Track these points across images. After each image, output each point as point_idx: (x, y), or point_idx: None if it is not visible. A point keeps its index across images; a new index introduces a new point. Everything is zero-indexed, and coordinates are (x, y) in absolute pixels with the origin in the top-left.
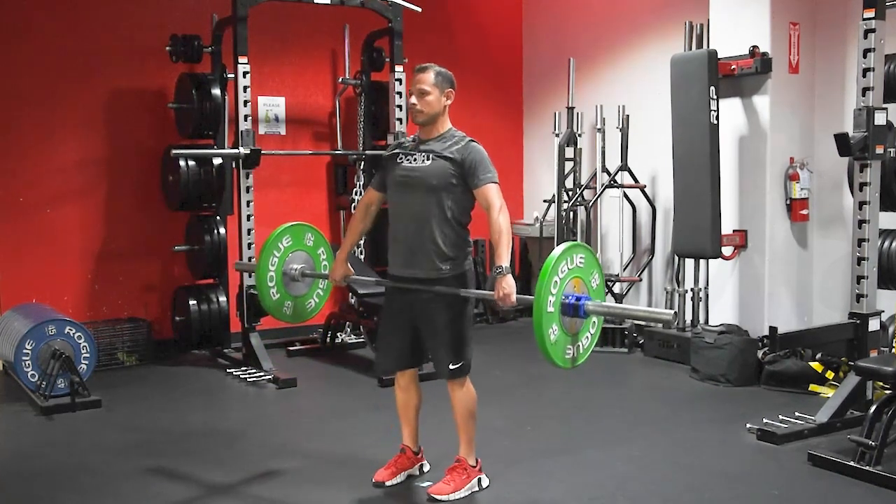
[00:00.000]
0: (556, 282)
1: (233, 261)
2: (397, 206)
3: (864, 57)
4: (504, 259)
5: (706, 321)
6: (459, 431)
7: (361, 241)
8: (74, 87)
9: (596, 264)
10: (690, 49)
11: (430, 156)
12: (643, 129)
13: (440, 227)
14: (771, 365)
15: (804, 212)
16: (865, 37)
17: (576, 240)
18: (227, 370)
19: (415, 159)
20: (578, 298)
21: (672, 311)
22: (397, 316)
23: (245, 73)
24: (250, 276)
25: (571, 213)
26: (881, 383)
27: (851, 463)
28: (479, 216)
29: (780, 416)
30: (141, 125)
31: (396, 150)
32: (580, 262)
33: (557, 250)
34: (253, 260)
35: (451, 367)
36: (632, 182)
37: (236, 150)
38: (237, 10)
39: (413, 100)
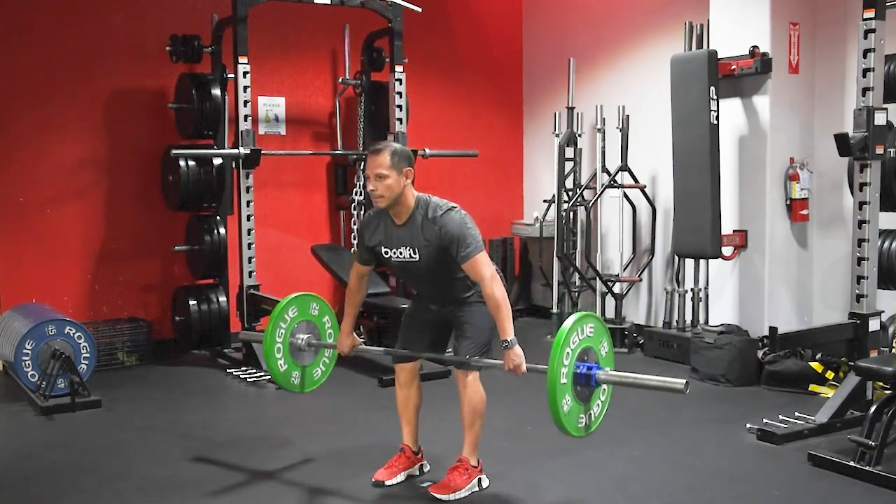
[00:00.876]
0: (567, 353)
1: (233, 261)
2: (406, 280)
3: (864, 57)
4: (509, 332)
5: (706, 321)
6: (465, 430)
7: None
8: (74, 87)
9: (605, 332)
10: (690, 49)
11: (415, 249)
12: (643, 129)
13: (454, 286)
14: (771, 365)
15: (804, 212)
16: (865, 37)
17: (576, 237)
18: (227, 370)
19: (402, 253)
20: (590, 368)
21: (683, 381)
22: (427, 312)
23: (245, 73)
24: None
25: (571, 213)
26: (881, 383)
27: (851, 463)
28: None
29: (780, 416)
30: (141, 125)
31: (375, 238)
32: (590, 332)
33: (568, 322)
34: (253, 270)
35: (468, 357)
36: (632, 182)
37: (236, 150)
38: (237, 10)
39: (371, 185)
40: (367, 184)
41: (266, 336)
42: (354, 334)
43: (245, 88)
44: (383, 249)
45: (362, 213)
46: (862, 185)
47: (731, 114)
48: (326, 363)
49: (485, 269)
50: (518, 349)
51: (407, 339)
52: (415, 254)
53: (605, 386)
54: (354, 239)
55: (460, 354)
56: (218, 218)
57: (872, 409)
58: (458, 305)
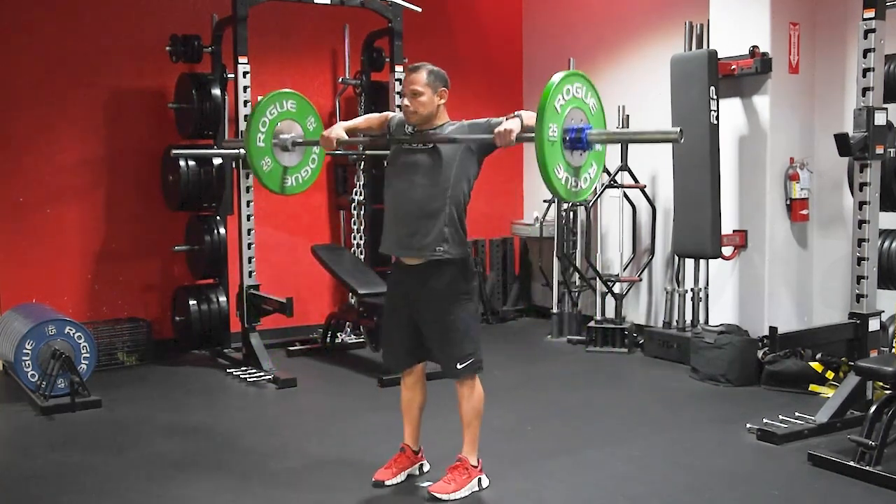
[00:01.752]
0: (553, 116)
1: (233, 261)
2: (399, 187)
3: (864, 57)
4: (525, 118)
5: (706, 321)
6: (464, 430)
7: (362, 242)
8: (74, 87)
9: (593, 90)
10: (690, 49)
11: (433, 136)
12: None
13: (441, 210)
14: (771, 365)
15: (804, 212)
16: (865, 37)
17: (576, 237)
18: (227, 370)
19: (420, 145)
20: (580, 130)
21: (678, 129)
22: (398, 312)
23: (245, 73)
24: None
25: (571, 213)
26: (881, 383)
27: (851, 463)
28: (477, 220)
29: (780, 416)
30: (141, 125)
31: (399, 129)
32: (577, 92)
33: (553, 80)
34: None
35: (458, 366)
36: (632, 182)
37: (236, 150)
38: (237, 10)
39: (406, 101)
40: (402, 100)
41: (248, 137)
42: (345, 132)
43: (245, 88)
44: (401, 142)
45: (362, 213)
46: (862, 185)
47: (731, 114)
48: (314, 163)
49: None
50: (517, 122)
51: (391, 342)
52: (429, 144)
53: (597, 146)
54: (354, 238)
55: (449, 361)
56: (218, 218)
57: (872, 409)
58: (428, 266)
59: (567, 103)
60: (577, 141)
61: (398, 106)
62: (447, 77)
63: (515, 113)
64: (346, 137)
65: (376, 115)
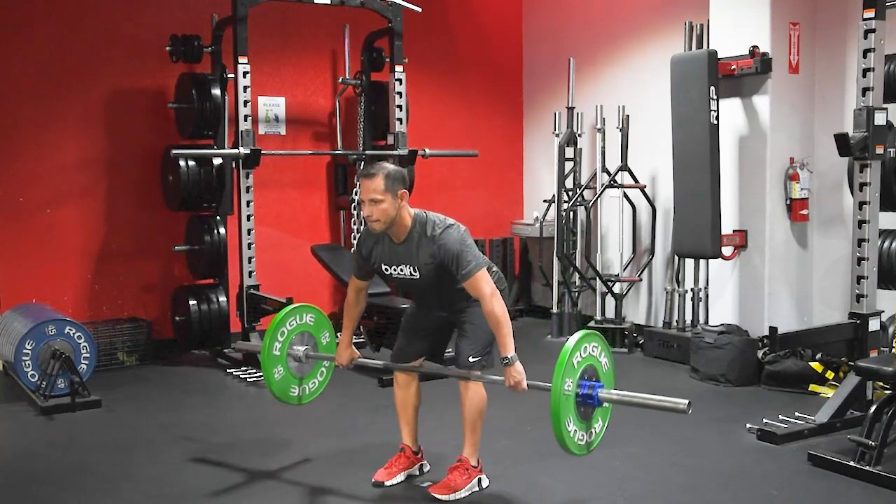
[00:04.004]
0: (570, 371)
1: (233, 261)
2: (405, 292)
3: (864, 57)
4: (509, 349)
5: (706, 321)
6: (465, 431)
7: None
8: (74, 87)
9: (606, 350)
10: (690, 49)
11: (415, 267)
12: (643, 129)
13: (456, 298)
14: (771, 365)
15: (804, 212)
16: (865, 37)
17: (576, 237)
18: (227, 370)
19: (402, 270)
20: (592, 388)
21: (686, 402)
22: (423, 320)
23: (245, 73)
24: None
25: (571, 213)
26: (881, 383)
27: (851, 463)
28: (477, 220)
29: (780, 416)
30: (141, 125)
31: (374, 256)
32: (592, 351)
33: (571, 342)
34: (253, 274)
35: (470, 358)
36: (632, 182)
37: (236, 150)
38: (237, 11)
39: (366, 211)
40: (361, 208)
41: (263, 349)
42: (353, 347)
43: (245, 88)
44: (383, 267)
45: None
46: (862, 185)
47: (731, 114)
48: (324, 374)
49: (485, 286)
50: (519, 366)
51: (406, 342)
52: (415, 272)
53: (605, 404)
54: (354, 238)
55: (461, 355)
56: (218, 218)
57: (872, 409)
58: (460, 309)
59: (584, 360)
60: (588, 398)
61: (398, 106)
62: (405, 175)
63: (504, 358)
64: (358, 355)
65: (349, 296)
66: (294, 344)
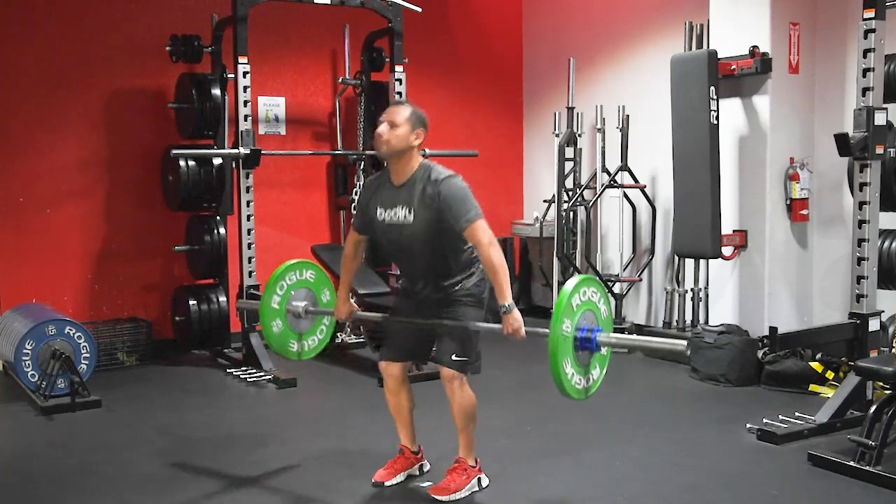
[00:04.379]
0: (568, 314)
1: (233, 261)
2: (395, 255)
3: (864, 57)
4: (507, 297)
5: (706, 321)
6: (458, 433)
7: None
8: (74, 86)
9: (604, 295)
10: (690, 49)
11: (410, 209)
12: (643, 129)
13: (443, 264)
14: (771, 365)
15: (804, 212)
16: (865, 37)
17: (576, 237)
18: (227, 370)
19: (396, 214)
20: (591, 331)
21: (685, 343)
22: (407, 311)
23: (245, 73)
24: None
25: (571, 213)
26: (881, 383)
27: (851, 463)
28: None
29: (780, 416)
30: (141, 125)
31: (372, 200)
32: (591, 296)
33: (569, 286)
34: (254, 273)
35: (454, 357)
36: (632, 182)
37: (236, 150)
38: (237, 11)
39: (381, 129)
40: (378, 127)
41: (262, 303)
42: (351, 301)
43: (245, 88)
44: (378, 210)
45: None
46: (862, 185)
47: (731, 114)
48: (324, 331)
49: (483, 234)
50: (517, 313)
51: (392, 341)
52: (409, 214)
53: (605, 349)
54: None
55: (444, 354)
56: (218, 218)
57: (872, 409)
58: (443, 300)
59: (582, 304)
60: (586, 341)
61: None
62: (428, 123)
63: (502, 306)
64: (358, 311)
65: (347, 249)
66: (293, 299)
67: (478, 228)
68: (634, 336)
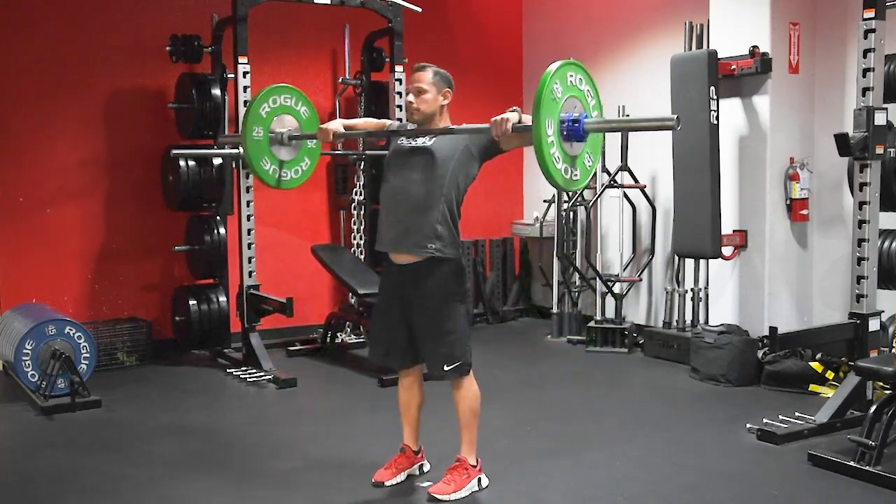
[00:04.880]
0: (551, 107)
1: (233, 261)
2: (394, 184)
3: (864, 57)
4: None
5: (706, 321)
6: (461, 430)
7: (361, 242)
8: (74, 87)
9: (588, 78)
10: (690, 49)
11: (432, 137)
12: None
13: (435, 206)
14: (771, 365)
15: (804, 212)
16: (865, 37)
17: (576, 237)
18: (227, 370)
19: (417, 139)
20: (576, 120)
21: (675, 116)
22: (390, 311)
23: (245, 73)
24: (237, 148)
25: (571, 213)
26: (881, 383)
27: (851, 463)
28: (477, 220)
29: (780, 416)
30: (141, 125)
31: (399, 139)
32: (573, 80)
33: (549, 70)
34: (253, 262)
35: (445, 368)
36: (632, 182)
37: (236, 150)
38: (237, 11)
39: (410, 97)
40: (406, 97)
41: (244, 131)
42: (343, 128)
43: (245, 88)
44: (402, 140)
45: (362, 213)
46: (862, 185)
47: (731, 114)
48: (311, 157)
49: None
50: (515, 114)
51: (380, 339)
52: (430, 140)
53: (594, 135)
54: (354, 238)
55: (433, 365)
56: (218, 218)
57: (872, 409)
58: (422, 265)
59: (565, 91)
60: (573, 131)
61: (398, 106)
62: (452, 80)
63: (514, 108)
64: (343, 130)
65: (375, 119)
66: (275, 126)
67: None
68: (622, 118)
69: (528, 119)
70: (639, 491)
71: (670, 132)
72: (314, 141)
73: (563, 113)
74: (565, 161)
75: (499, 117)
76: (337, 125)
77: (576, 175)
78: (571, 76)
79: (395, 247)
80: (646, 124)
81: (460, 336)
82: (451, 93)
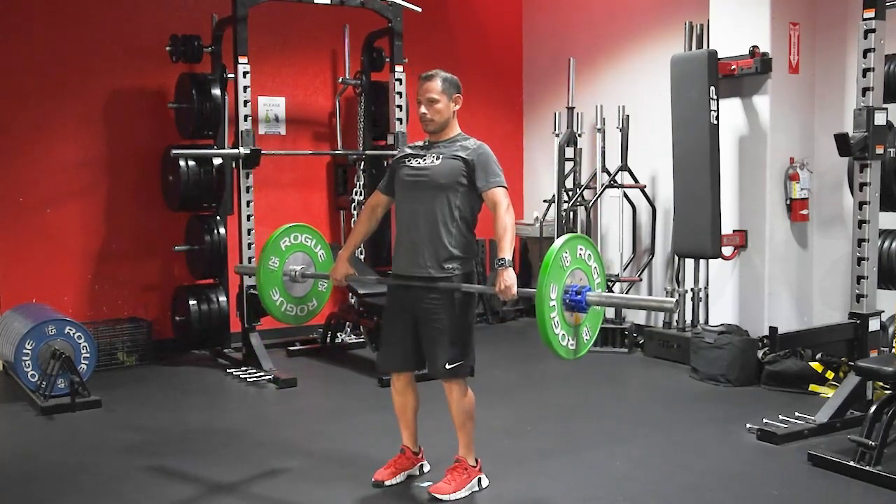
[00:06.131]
0: (557, 274)
1: (233, 261)
2: (405, 205)
3: (864, 57)
4: (507, 252)
5: (706, 321)
6: (458, 433)
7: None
8: (74, 87)
9: (596, 255)
10: (690, 49)
11: (439, 156)
12: (643, 129)
13: (448, 226)
14: (771, 365)
15: (804, 212)
16: (865, 37)
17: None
18: (227, 370)
19: (423, 160)
20: (579, 291)
21: (673, 300)
22: (399, 316)
23: (245, 73)
24: (251, 278)
25: (571, 213)
26: (881, 383)
27: (851, 463)
28: (484, 217)
29: (780, 416)
30: (141, 125)
31: (406, 156)
32: (581, 254)
33: (558, 242)
34: (253, 261)
35: (446, 366)
36: (632, 182)
37: (236, 150)
38: (237, 11)
39: (423, 109)
40: (419, 109)
41: (259, 266)
42: (349, 264)
43: (245, 88)
44: (407, 159)
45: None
46: (862, 185)
47: (731, 114)
48: (322, 295)
49: (505, 198)
50: (511, 272)
51: (390, 344)
52: (437, 160)
53: (594, 310)
54: None
55: (436, 361)
56: (218, 218)
57: (872, 409)
58: (433, 280)
59: (573, 262)
60: (576, 301)
61: (398, 106)
62: (460, 83)
63: (500, 260)
64: (353, 272)
65: (364, 210)
66: (290, 263)
67: (502, 192)
68: (623, 295)
69: (511, 246)
70: (639, 491)
71: (670, 132)
72: (325, 284)
73: (568, 283)
74: (564, 328)
75: (502, 286)
76: (343, 269)
77: (572, 344)
78: (581, 249)
79: (411, 272)
80: (645, 304)
81: (464, 339)
82: (461, 97)
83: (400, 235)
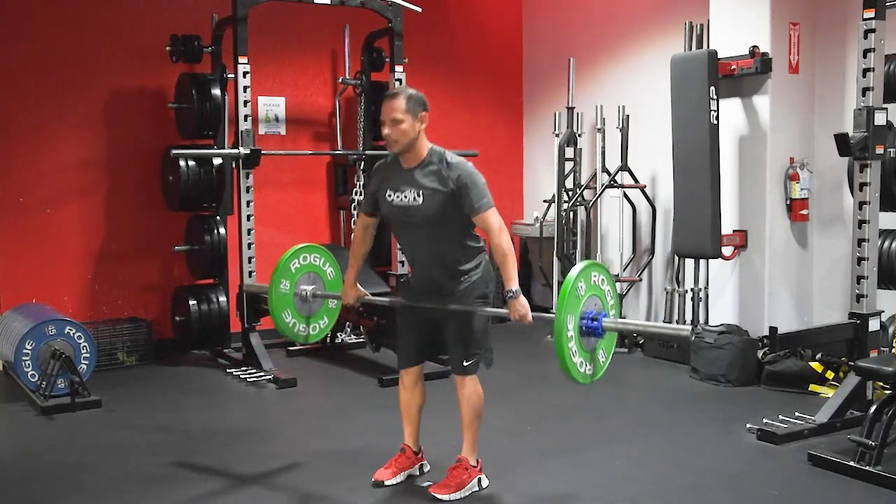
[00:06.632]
0: (573, 305)
1: (233, 261)
2: (403, 239)
3: (864, 57)
4: (513, 282)
5: (706, 321)
6: (463, 430)
7: None
8: (74, 87)
9: (609, 279)
10: (690, 49)
11: (420, 192)
12: (643, 129)
13: (451, 250)
14: (771, 365)
15: (804, 212)
16: (865, 37)
17: (576, 237)
18: (227, 370)
19: (405, 196)
20: (595, 318)
21: (689, 328)
22: (414, 312)
23: (245, 73)
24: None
25: (571, 213)
26: (881, 383)
27: (851, 463)
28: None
29: (780, 416)
30: (141, 125)
31: (382, 184)
32: (595, 280)
33: (573, 272)
34: (253, 262)
35: (464, 363)
36: (632, 182)
37: (236, 150)
38: (237, 11)
39: (386, 130)
40: (382, 129)
41: (271, 288)
42: (358, 285)
43: (245, 88)
44: (388, 193)
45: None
46: (862, 185)
47: (731, 114)
48: (331, 313)
49: (495, 220)
50: (523, 299)
51: (406, 341)
52: (418, 197)
53: (609, 333)
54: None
55: (455, 360)
56: (218, 218)
57: (872, 409)
58: (451, 289)
59: (588, 290)
60: (592, 329)
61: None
62: (426, 100)
63: (509, 291)
64: (364, 293)
65: (357, 233)
66: (300, 283)
67: (491, 215)
68: (639, 322)
69: (515, 268)
70: (639, 491)
71: (670, 132)
72: (335, 302)
73: (584, 310)
74: (581, 355)
75: (516, 315)
76: (354, 294)
77: (589, 370)
78: (595, 276)
79: (426, 282)
80: (660, 331)
81: (482, 335)
82: (427, 115)
83: (406, 253)
